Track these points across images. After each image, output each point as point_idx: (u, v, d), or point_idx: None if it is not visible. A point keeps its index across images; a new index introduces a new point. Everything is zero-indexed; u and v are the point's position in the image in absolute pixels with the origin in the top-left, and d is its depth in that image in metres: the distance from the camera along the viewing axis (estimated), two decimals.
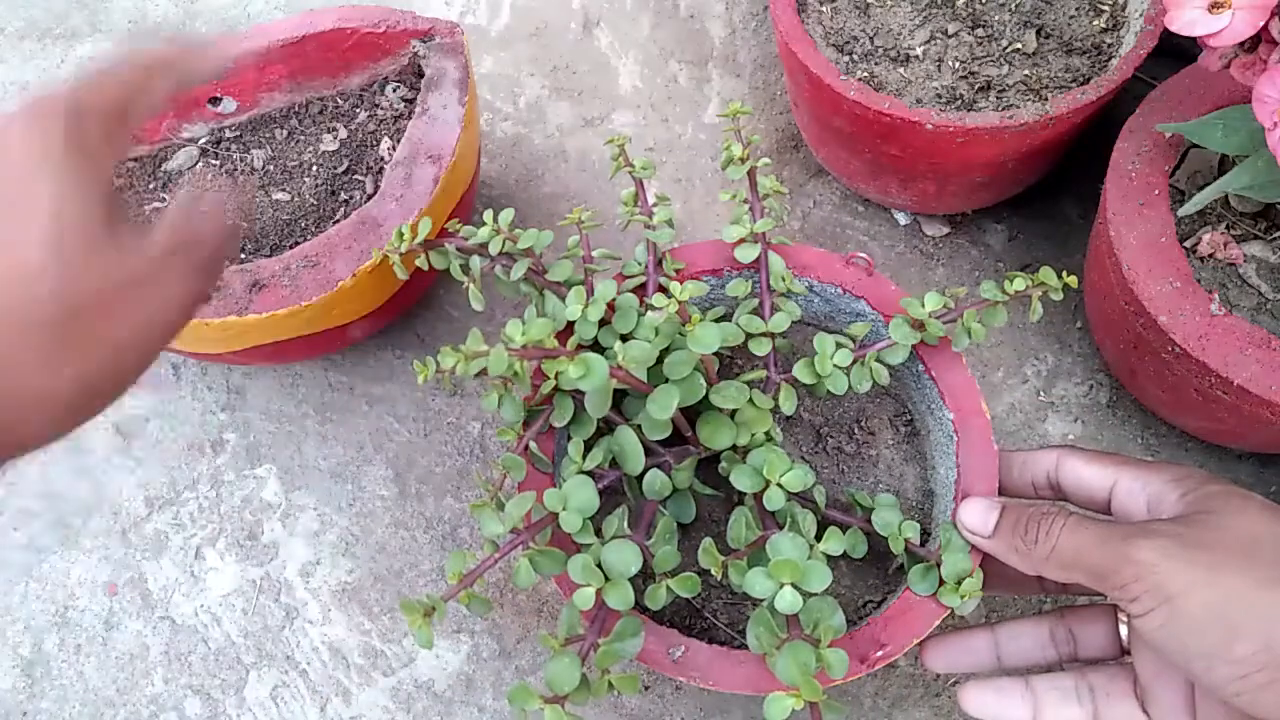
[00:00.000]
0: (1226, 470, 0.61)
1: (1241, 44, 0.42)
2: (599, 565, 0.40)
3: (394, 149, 0.62)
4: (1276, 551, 0.35)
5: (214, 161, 0.63)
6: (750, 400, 0.45)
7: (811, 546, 0.41)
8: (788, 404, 0.47)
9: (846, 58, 0.62)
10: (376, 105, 0.65)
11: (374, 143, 0.63)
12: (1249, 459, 0.61)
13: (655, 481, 0.47)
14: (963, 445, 0.47)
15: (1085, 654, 0.45)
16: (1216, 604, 0.34)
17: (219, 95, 0.63)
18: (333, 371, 0.68)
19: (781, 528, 0.43)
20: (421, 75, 0.63)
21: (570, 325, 0.48)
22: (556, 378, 0.40)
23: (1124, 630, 0.43)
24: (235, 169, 0.63)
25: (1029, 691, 0.43)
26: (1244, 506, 0.37)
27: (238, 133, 0.64)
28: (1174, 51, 0.56)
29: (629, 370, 0.41)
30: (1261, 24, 0.40)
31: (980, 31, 0.62)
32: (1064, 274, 0.45)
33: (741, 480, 0.43)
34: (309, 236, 0.59)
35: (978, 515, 0.43)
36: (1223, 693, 0.35)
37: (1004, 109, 0.59)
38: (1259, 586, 0.34)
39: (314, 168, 0.62)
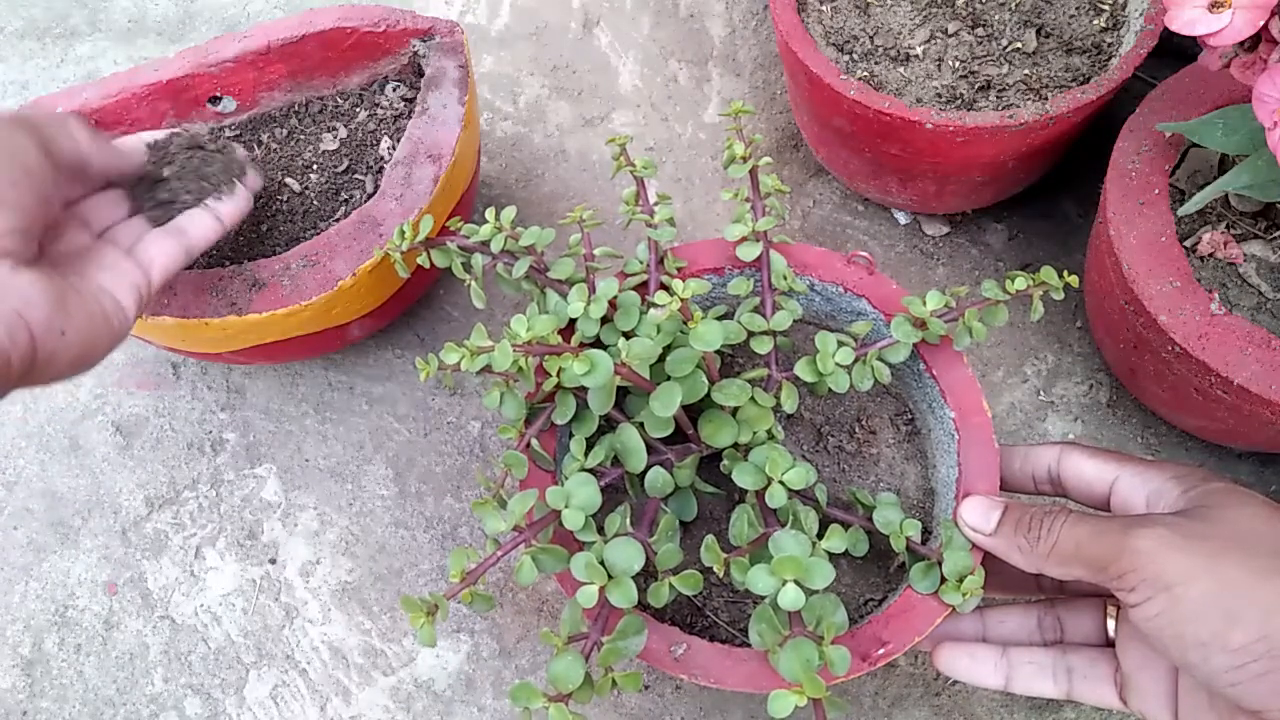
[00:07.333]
0: (1226, 469, 0.61)
1: (1241, 43, 0.43)
2: (601, 563, 0.40)
3: (394, 148, 0.62)
4: (1276, 544, 0.35)
5: None
6: (752, 398, 0.45)
7: (814, 544, 0.41)
8: (789, 402, 0.47)
9: (846, 57, 0.62)
10: (376, 104, 0.65)
11: (374, 142, 0.63)
12: (1249, 458, 0.61)
13: (657, 479, 0.47)
14: (964, 444, 0.47)
15: (1070, 642, 0.45)
16: (1215, 593, 0.34)
17: (219, 94, 0.63)
18: (333, 371, 0.68)
19: (783, 525, 0.43)
20: (421, 74, 0.63)
21: (572, 323, 0.48)
22: (559, 374, 0.40)
23: (1111, 624, 0.43)
24: None
25: (1004, 660, 0.44)
26: (1245, 502, 0.37)
27: (237, 132, 0.64)
28: (1174, 51, 0.56)
29: (632, 367, 0.41)
30: (1261, 23, 0.40)
31: (980, 31, 0.62)
32: (1065, 273, 0.45)
33: (743, 478, 0.43)
34: (309, 236, 0.59)
35: (979, 513, 0.43)
36: (1217, 683, 0.35)
37: (1004, 108, 0.59)
38: (1258, 577, 0.34)
39: (314, 167, 0.62)
